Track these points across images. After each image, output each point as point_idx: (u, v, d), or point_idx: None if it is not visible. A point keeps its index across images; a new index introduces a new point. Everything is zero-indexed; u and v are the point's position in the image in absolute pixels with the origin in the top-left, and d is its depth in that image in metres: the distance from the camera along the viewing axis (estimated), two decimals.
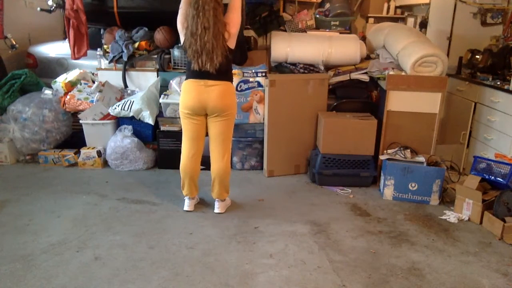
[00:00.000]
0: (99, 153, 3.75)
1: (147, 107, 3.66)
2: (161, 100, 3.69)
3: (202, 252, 2.47)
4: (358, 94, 3.78)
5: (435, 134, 3.40)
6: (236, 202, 3.14)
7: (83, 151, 3.76)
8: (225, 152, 2.83)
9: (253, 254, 2.47)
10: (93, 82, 4.04)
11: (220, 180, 2.88)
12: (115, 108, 3.73)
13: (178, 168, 2.90)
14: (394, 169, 3.21)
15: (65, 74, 4.11)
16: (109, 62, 4.00)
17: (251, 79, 3.68)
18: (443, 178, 3.18)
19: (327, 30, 5.16)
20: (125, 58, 3.88)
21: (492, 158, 3.12)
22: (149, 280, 2.21)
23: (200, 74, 2.67)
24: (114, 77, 4.03)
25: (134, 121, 3.79)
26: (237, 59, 3.73)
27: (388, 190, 3.26)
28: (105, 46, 4.04)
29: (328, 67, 3.89)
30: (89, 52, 3.99)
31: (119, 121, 3.85)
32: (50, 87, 4.00)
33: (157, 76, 3.99)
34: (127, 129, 3.75)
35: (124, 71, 3.98)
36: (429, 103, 3.34)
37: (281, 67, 3.84)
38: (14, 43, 4.25)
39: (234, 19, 2.67)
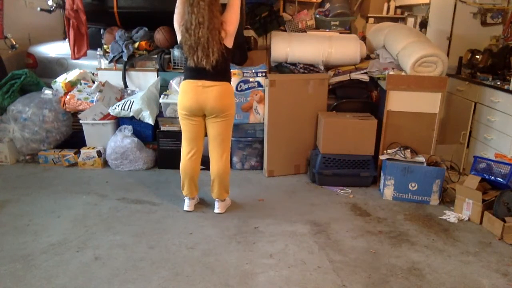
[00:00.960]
0: (99, 153, 3.75)
1: (147, 107, 3.66)
2: (161, 100, 3.69)
3: (202, 252, 2.47)
4: (358, 94, 3.78)
5: (435, 134, 3.40)
6: (236, 202, 3.14)
7: (83, 151, 3.76)
8: (224, 152, 2.83)
9: (253, 254, 2.47)
10: (93, 82, 4.04)
11: (220, 180, 2.88)
12: (115, 108, 3.73)
13: (178, 168, 2.91)
14: (394, 169, 3.21)
15: (65, 74, 4.11)
16: (109, 62, 4.00)
17: (251, 79, 3.68)
18: (443, 178, 3.18)
19: (327, 30, 5.16)
20: (125, 58, 3.88)
21: (492, 158, 3.12)
22: (149, 280, 2.21)
23: (197, 73, 2.66)
24: (114, 77, 4.03)
25: (134, 121, 3.79)
26: (237, 59, 3.73)
27: (388, 190, 3.26)
28: (105, 46, 4.04)
29: (328, 67, 3.89)
30: (89, 52, 3.99)
31: (119, 121, 3.85)
32: (50, 87, 4.00)
33: (157, 76, 3.99)
34: (127, 129, 3.75)
35: (124, 71, 3.98)
36: (429, 103, 3.34)
37: (281, 67, 3.85)
38: (14, 43, 4.25)
39: (232, 18, 2.67)
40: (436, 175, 3.15)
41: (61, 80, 3.96)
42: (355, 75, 3.77)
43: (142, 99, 3.68)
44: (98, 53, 4.03)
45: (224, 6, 2.69)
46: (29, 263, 2.32)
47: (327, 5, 5.38)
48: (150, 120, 3.68)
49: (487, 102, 3.48)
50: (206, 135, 2.87)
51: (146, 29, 3.93)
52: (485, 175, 2.99)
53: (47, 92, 3.89)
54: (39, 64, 4.61)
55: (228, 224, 2.82)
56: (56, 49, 4.63)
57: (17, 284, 2.15)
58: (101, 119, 3.80)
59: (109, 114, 3.80)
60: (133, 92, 3.95)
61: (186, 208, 2.98)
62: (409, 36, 3.60)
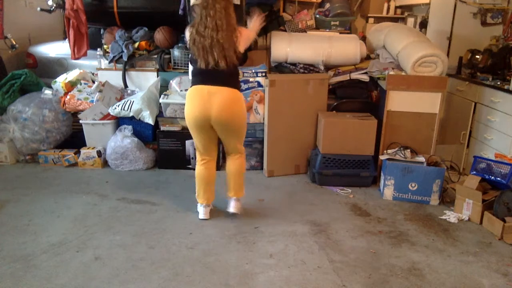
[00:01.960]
0: (99, 153, 3.75)
1: (147, 107, 3.66)
2: (161, 100, 3.69)
3: (202, 252, 2.47)
4: (358, 94, 3.78)
5: (435, 134, 3.40)
6: None
7: (83, 151, 3.76)
8: (239, 150, 2.80)
9: (253, 254, 2.47)
10: (93, 82, 4.04)
11: (235, 178, 2.83)
12: (115, 108, 3.73)
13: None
14: (394, 169, 3.21)
15: (65, 74, 4.11)
16: (109, 62, 4.00)
17: (251, 79, 3.68)
18: (443, 178, 3.18)
19: (327, 30, 5.15)
20: (125, 58, 3.89)
21: (492, 158, 3.12)
22: (149, 280, 2.21)
23: (205, 77, 2.58)
24: (114, 77, 4.03)
25: (134, 121, 3.79)
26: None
27: (388, 190, 3.26)
28: (105, 46, 4.04)
29: (328, 67, 3.89)
30: (89, 52, 4.00)
31: (119, 121, 3.85)
32: (50, 87, 4.00)
33: (157, 76, 3.99)
34: (127, 129, 3.75)
35: (124, 71, 3.98)
36: (429, 103, 3.34)
37: (281, 67, 3.85)
38: (14, 43, 4.26)
39: (249, 35, 2.67)
40: (436, 175, 3.15)
41: (61, 80, 3.96)
42: (355, 75, 3.77)
43: (142, 99, 3.68)
44: (98, 53, 4.04)
45: (236, 7, 2.68)
46: (29, 263, 2.32)
47: (327, 5, 5.37)
48: (150, 120, 3.68)
49: (487, 102, 3.48)
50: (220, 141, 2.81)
51: (146, 29, 3.93)
52: (485, 175, 2.99)
53: (47, 92, 3.89)
54: (39, 64, 4.61)
55: (228, 224, 2.82)
56: (56, 49, 4.63)
57: (17, 284, 2.15)
58: (101, 119, 3.80)
59: (109, 114, 3.80)
60: (133, 92, 3.95)
61: (202, 216, 2.86)
62: (409, 36, 3.60)
